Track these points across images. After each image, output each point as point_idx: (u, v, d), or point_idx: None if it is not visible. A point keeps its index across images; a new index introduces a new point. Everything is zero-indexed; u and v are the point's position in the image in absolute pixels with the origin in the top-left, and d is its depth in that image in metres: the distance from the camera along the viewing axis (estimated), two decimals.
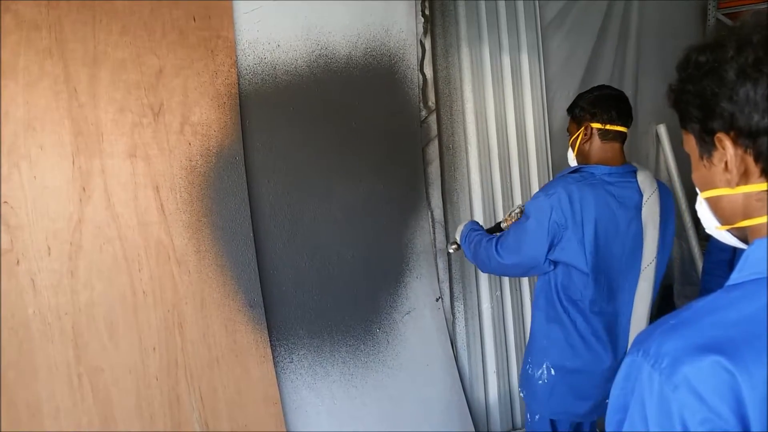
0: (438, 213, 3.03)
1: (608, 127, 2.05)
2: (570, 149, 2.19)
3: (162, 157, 2.09)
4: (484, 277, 3.15)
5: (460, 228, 2.47)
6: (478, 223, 2.47)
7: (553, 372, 2.08)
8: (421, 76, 2.98)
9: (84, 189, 1.92)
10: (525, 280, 3.37)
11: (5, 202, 1.78)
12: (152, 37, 2.07)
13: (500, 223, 2.47)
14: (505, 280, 3.26)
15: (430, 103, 3.03)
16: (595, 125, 2.06)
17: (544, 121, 3.60)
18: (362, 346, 2.59)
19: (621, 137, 2.08)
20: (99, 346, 1.89)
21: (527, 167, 3.48)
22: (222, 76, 2.25)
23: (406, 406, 2.68)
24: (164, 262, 2.07)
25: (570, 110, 2.19)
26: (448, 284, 3.03)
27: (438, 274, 2.99)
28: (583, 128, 2.09)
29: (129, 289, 1.98)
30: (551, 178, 3.60)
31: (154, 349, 2.01)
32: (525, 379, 2.20)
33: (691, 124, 0.89)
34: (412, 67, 2.89)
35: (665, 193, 2.09)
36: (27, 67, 1.85)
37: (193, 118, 2.17)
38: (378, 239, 2.71)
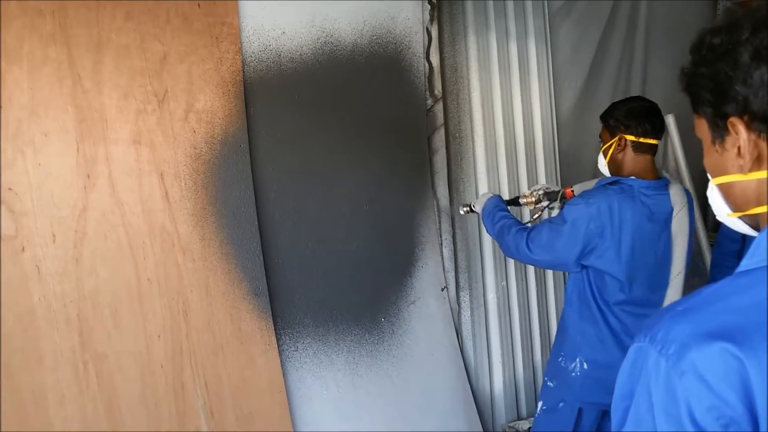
0: (444, 202, 3.01)
1: (642, 140, 2.12)
2: (602, 156, 2.26)
3: (166, 144, 2.08)
4: (489, 267, 3.14)
5: (483, 198, 2.52)
6: (501, 198, 2.51)
7: (585, 366, 2.17)
8: (427, 64, 2.96)
9: (88, 176, 1.92)
10: (531, 272, 3.36)
11: (9, 188, 1.77)
12: (156, 23, 2.06)
13: (518, 198, 2.54)
14: (511, 270, 3.24)
15: (436, 92, 3.01)
16: (630, 137, 2.13)
17: (552, 109, 3.57)
18: (367, 335, 2.58)
19: (653, 149, 2.16)
20: (104, 333, 1.89)
21: (534, 156, 3.46)
22: (227, 63, 2.23)
23: (411, 395, 2.68)
24: (169, 250, 2.06)
25: (604, 119, 2.25)
26: (453, 274, 3.02)
27: (443, 263, 2.98)
28: (617, 139, 2.16)
29: (134, 277, 1.98)
30: (558, 168, 3.59)
31: (159, 336, 2.01)
32: (556, 370, 2.27)
33: (704, 108, 0.87)
34: (418, 54, 2.87)
35: (691, 204, 2.17)
36: (31, 52, 1.84)
37: (198, 106, 2.16)
38: (383, 228, 2.70)
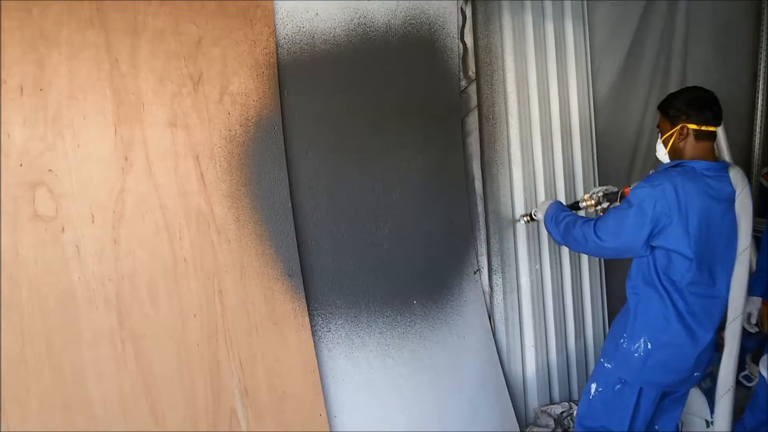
0: (477, 185, 2.99)
1: (703, 128, 2.19)
2: (661, 145, 2.31)
3: (201, 126, 2.10)
4: (523, 251, 3.12)
5: (544, 206, 2.64)
6: (561, 203, 2.64)
7: (650, 346, 2.19)
8: (461, 45, 2.93)
9: (126, 158, 1.95)
10: (565, 256, 3.32)
11: (50, 170, 1.81)
12: (191, 7, 2.07)
13: (578, 202, 2.65)
14: (545, 254, 3.22)
15: (470, 73, 2.98)
16: (692, 126, 2.19)
17: (589, 91, 3.50)
18: (399, 317, 2.59)
19: (713, 136, 2.23)
20: (141, 313, 1.93)
21: (570, 139, 3.41)
22: (261, 46, 2.24)
23: (442, 377, 2.68)
24: (204, 231, 2.09)
25: (663, 109, 2.30)
26: (486, 257, 3.01)
27: (476, 247, 2.96)
28: (678, 128, 2.22)
29: (170, 257, 2.01)
30: (594, 151, 3.53)
31: (194, 316, 2.05)
32: (616, 351, 2.29)
33: None
34: (452, 35, 2.84)
35: (750, 186, 2.24)
36: (69, 37, 1.87)
37: (232, 88, 2.18)
38: (416, 211, 2.69)
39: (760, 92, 4.64)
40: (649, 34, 3.86)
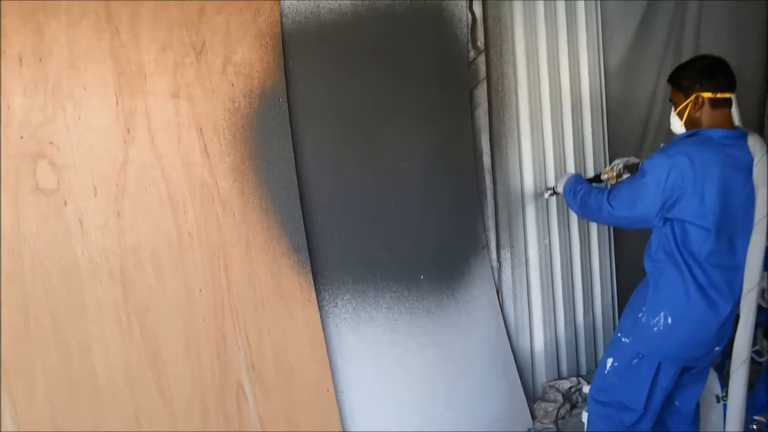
0: (486, 159, 2.94)
1: (719, 95, 2.14)
2: (676, 118, 2.26)
3: (205, 97, 2.06)
4: (531, 225, 3.08)
5: (564, 179, 2.64)
6: (580, 175, 2.67)
7: (670, 320, 2.15)
8: (470, 15, 2.86)
9: (128, 130, 1.91)
10: (575, 230, 3.28)
11: (51, 142, 1.78)
12: None
13: (599, 174, 2.66)
14: (554, 228, 3.18)
15: (478, 44, 2.91)
16: (706, 94, 2.14)
17: (600, 63, 3.44)
18: (406, 292, 2.56)
19: (729, 103, 2.17)
20: (146, 287, 1.91)
21: (580, 112, 3.35)
22: (264, 14, 2.18)
23: (450, 353, 2.66)
24: (209, 204, 2.06)
25: (674, 81, 2.25)
26: (494, 232, 2.97)
27: (485, 221, 2.92)
28: (693, 98, 2.16)
29: (174, 231, 1.98)
30: (605, 123, 3.47)
31: (200, 290, 2.02)
32: (634, 325, 2.25)
33: None
34: (460, 5, 2.78)
35: None
36: (69, 5, 1.82)
37: (236, 58, 2.13)
38: (423, 185, 2.65)
39: None
40: (662, 4, 3.78)
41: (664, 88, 3.84)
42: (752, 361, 2.43)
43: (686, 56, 3.88)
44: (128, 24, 1.92)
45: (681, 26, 3.95)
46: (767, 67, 4.57)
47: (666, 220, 2.13)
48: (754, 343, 3.10)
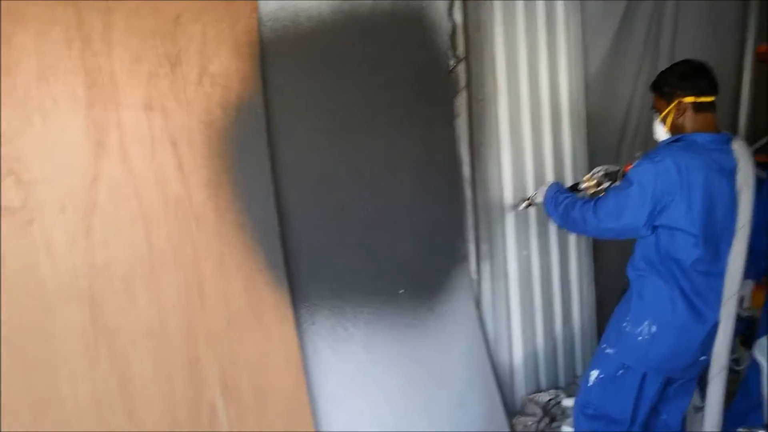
0: (465, 170, 2.91)
1: (701, 99, 2.14)
2: (660, 125, 2.24)
3: (180, 109, 1.99)
4: (511, 237, 3.06)
5: (543, 188, 2.58)
6: (560, 184, 2.58)
7: (654, 329, 2.14)
8: (450, 22, 2.82)
9: (99, 144, 1.83)
10: (554, 242, 3.27)
11: (18, 157, 1.69)
12: None
13: (578, 183, 2.58)
14: (533, 240, 3.16)
15: (459, 51, 2.88)
16: (689, 99, 2.14)
17: (579, 70, 3.43)
18: (385, 307, 2.51)
19: (712, 107, 2.17)
20: (116, 307, 1.83)
21: (559, 121, 3.33)
22: (242, 23, 2.12)
23: (430, 369, 2.63)
24: (183, 221, 1.99)
25: (656, 88, 2.25)
26: (474, 243, 2.94)
27: (465, 233, 2.89)
28: (675, 103, 2.16)
29: (147, 248, 1.91)
30: (584, 131, 3.46)
31: (173, 308, 1.95)
32: (618, 336, 2.23)
33: None
34: (441, 12, 2.74)
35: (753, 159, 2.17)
36: (38, 13, 1.73)
37: (212, 68, 2.06)
38: (403, 197, 2.61)
39: (747, 68, 4.63)
40: (640, 9, 3.77)
41: (641, 94, 3.87)
42: (731, 370, 2.44)
43: (663, 57, 3.91)
44: (100, 33, 1.83)
45: (659, 26, 3.94)
46: (741, 66, 4.62)
47: (653, 228, 2.10)
48: (733, 351, 3.13)
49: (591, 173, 2.57)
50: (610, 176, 2.55)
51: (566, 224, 2.40)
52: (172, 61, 1.97)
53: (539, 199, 2.59)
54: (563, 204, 2.37)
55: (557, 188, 2.52)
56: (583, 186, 2.58)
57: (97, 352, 1.78)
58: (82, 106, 1.80)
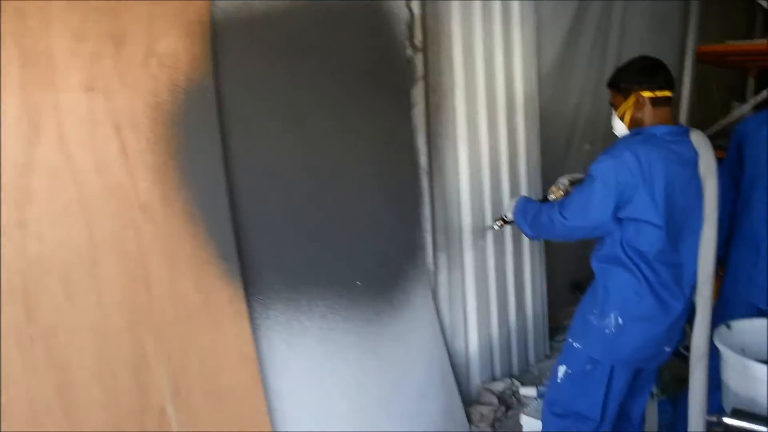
0: (423, 159, 2.85)
1: (658, 93, 2.15)
2: (618, 121, 2.26)
3: (124, 92, 1.85)
4: (467, 228, 3.02)
5: (511, 203, 2.55)
6: (528, 197, 2.57)
7: (620, 321, 2.12)
8: (408, 12, 2.75)
9: (34, 127, 1.69)
10: (508, 233, 3.26)
11: None
12: None
13: (548, 195, 2.55)
14: (489, 232, 3.14)
15: (416, 41, 2.81)
16: (646, 94, 2.15)
17: (534, 63, 3.42)
18: (341, 299, 2.44)
19: (669, 101, 2.19)
20: (53, 305, 1.69)
21: (514, 110, 3.32)
22: (192, 2, 1.99)
23: (388, 360, 2.57)
24: (126, 210, 1.85)
25: (613, 84, 2.27)
26: (431, 234, 2.89)
27: (421, 224, 2.84)
28: (633, 98, 2.17)
29: (86, 240, 1.77)
30: (536, 125, 3.46)
31: (116, 305, 1.82)
32: (585, 329, 2.21)
33: None
34: (399, 1, 2.66)
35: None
36: None
37: (159, 49, 1.93)
38: (359, 188, 2.54)
39: (688, 67, 4.76)
40: (590, 9, 3.81)
41: (590, 91, 3.91)
42: (682, 356, 2.45)
43: (611, 56, 3.96)
44: (37, 7, 1.69)
45: (607, 26, 3.99)
46: (682, 61, 4.73)
47: (618, 220, 2.10)
48: (684, 338, 3.17)
49: (557, 184, 2.55)
50: (575, 183, 2.53)
51: (537, 231, 2.36)
52: (116, 41, 1.84)
53: (509, 215, 2.55)
54: (532, 212, 2.36)
55: (525, 200, 2.51)
56: (551, 197, 2.54)
57: (33, 354, 1.65)
58: (15, 87, 1.66)
